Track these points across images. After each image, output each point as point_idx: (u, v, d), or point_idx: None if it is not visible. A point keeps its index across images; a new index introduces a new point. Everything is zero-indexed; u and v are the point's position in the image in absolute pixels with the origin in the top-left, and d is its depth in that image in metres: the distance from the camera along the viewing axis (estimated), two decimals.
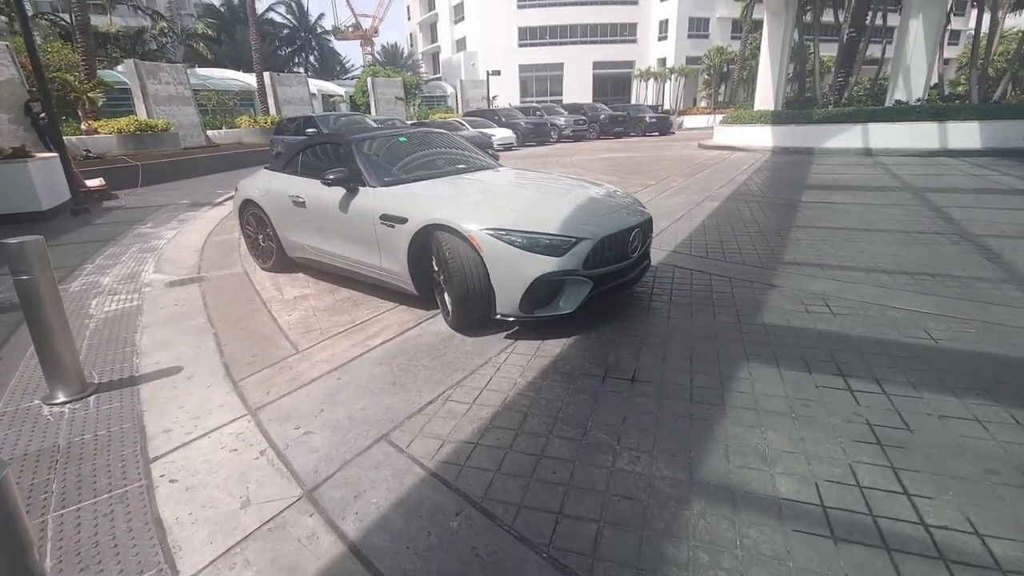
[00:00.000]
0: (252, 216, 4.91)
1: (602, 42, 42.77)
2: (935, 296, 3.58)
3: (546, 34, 42.39)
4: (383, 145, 4.44)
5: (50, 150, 8.92)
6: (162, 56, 26.94)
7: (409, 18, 57.53)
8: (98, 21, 25.89)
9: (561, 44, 42.47)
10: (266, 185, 4.73)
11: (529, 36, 42.36)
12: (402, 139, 4.67)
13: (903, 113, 12.42)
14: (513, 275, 3.00)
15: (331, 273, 4.42)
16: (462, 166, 4.44)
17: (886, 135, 12.15)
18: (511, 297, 3.04)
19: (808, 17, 18.79)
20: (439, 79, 42.30)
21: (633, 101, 40.02)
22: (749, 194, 7.89)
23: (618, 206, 3.59)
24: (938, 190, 7.62)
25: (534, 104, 27.74)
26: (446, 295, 3.29)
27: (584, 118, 23.23)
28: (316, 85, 28.55)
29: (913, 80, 13.71)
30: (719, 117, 31.21)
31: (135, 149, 13.34)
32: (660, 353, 2.93)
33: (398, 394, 2.63)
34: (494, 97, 30.35)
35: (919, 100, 13.47)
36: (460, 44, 45.07)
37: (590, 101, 33.05)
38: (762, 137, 14.19)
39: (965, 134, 11.34)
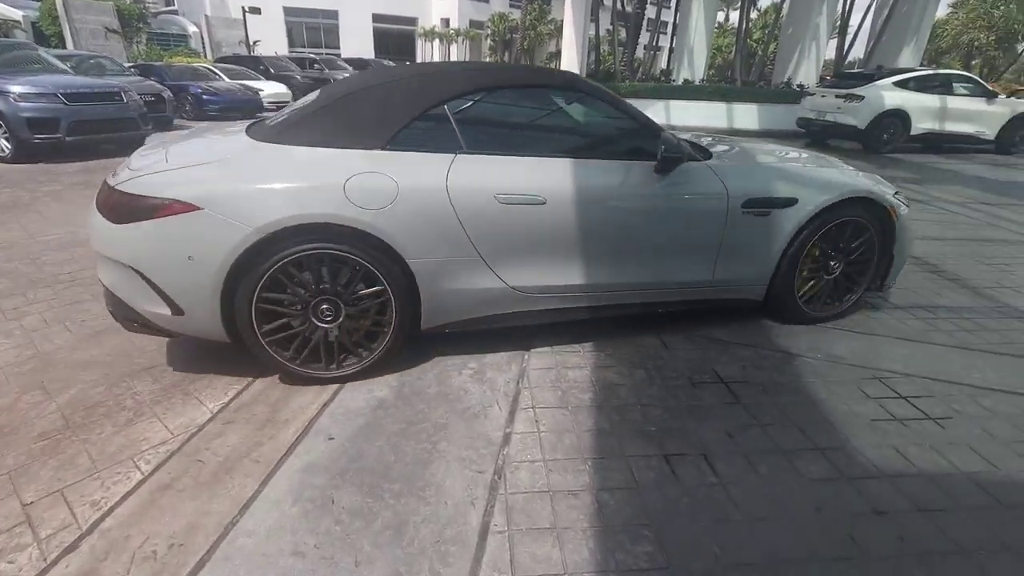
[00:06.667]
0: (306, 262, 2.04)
1: None
2: None
3: None
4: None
5: None
6: None
7: None
8: None
9: None
10: (429, 182, 2.08)
11: None
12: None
13: (697, 92, 13.11)
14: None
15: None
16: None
17: (686, 112, 12.65)
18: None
19: None
20: (174, 11, 32.82)
21: (419, 61, 37.42)
22: None
23: None
24: None
25: (311, 55, 23.17)
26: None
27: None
28: None
29: (696, 61, 14.67)
30: None
31: None
32: None
33: None
34: (255, 43, 24.67)
35: (703, 80, 14.60)
36: None
37: (373, 57, 29.76)
38: None
39: (747, 115, 12.48)
